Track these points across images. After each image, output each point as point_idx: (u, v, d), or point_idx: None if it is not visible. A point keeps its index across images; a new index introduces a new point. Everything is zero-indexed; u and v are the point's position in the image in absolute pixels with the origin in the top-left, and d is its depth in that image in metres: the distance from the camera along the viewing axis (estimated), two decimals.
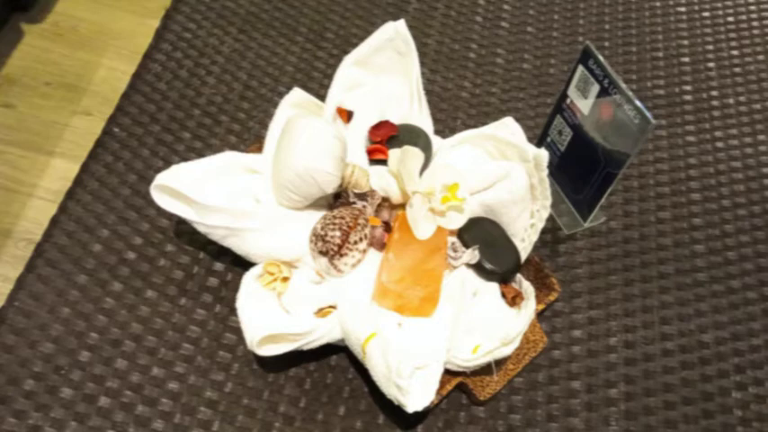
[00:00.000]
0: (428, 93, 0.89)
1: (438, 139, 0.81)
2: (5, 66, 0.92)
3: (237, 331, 0.74)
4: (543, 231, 0.77)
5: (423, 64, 0.96)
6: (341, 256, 0.71)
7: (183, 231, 0.80)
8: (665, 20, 1.06)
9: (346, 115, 0.81)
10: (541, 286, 0.77)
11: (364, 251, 0.73)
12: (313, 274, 0.73)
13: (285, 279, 0.72)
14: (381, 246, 0.74)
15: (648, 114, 0.69)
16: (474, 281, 0.74)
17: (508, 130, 0.77)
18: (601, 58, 0.73)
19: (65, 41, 0.95)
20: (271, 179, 0.75)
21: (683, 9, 1.08)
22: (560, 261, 0.83)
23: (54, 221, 0.79)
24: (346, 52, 0.83)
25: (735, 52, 1.04)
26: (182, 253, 0.79)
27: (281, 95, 0.82)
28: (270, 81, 0.93)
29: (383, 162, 0.77)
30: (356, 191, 0.76)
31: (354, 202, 0.75)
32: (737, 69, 1.02)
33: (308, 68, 0.95)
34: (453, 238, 0.76)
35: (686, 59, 1.02)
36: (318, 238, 0.71)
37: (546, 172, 0.72)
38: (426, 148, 0.78)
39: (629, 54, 1.02)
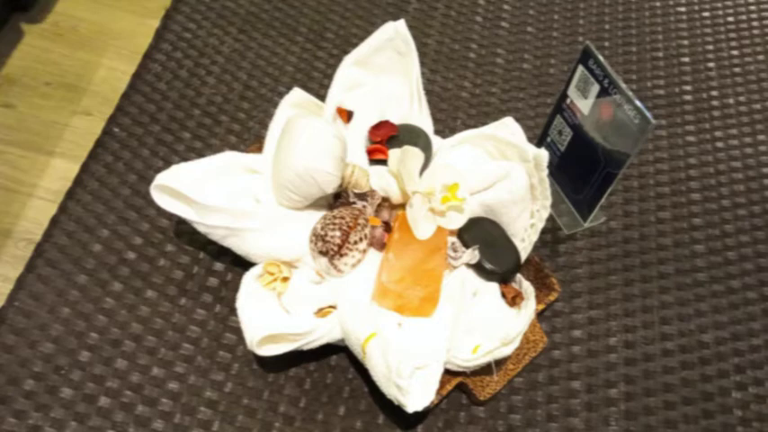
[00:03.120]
0: (428, 93, 0.89)
1: (438, 139, 0.81)
2: (5, 66, 0.92)
3: (237, 331, 0.74)
4: (543, 231, 0.77)
5: (423, 64, 0.96)
6: (341, 256, 0.71)
7: (183, 231, 0.80)
8: (665, 20, 1.06)
9: (346, 115, 0.81)
10: (541, 286, 0.77)
11: (364, 251, 0.73)
12: (313, 274, 0.73)
13: (285, 279, 0.72)
14: (381, 246, 0.74)
15: (648, 114, 0.69)
16: (474, 281, 0.74)
17: (508, 130, 0.77)
18: (601, 58, 0.73)
19: (65, 41, 0.95)
20: (271, 179, 0.75)
21: (683, 9, 1.08)
22: (560, 261, 0.83)
23: (54, 221, 0.79)
24: (346, 52, 0.83)
25: (735, 52, 1.04)
26: (182, 253, 0.79)
27: (281, 95, 0.82)
28: (270, 81, 0.93)
29: (383, 162, 0.77)
30: (356, 191, 0.76)
31: (354, 202, 0.75)
32: (737, 69, 1.02)
33: (308, 68, 0.95)
34: (453, 238, 0.76)
35: (686, 59, 1.02)
36: (318, 238, 0.71)
37: (546, 172, 0.72)
38: (426, 148, 0.78)
39: (629, 54, 1.02)
